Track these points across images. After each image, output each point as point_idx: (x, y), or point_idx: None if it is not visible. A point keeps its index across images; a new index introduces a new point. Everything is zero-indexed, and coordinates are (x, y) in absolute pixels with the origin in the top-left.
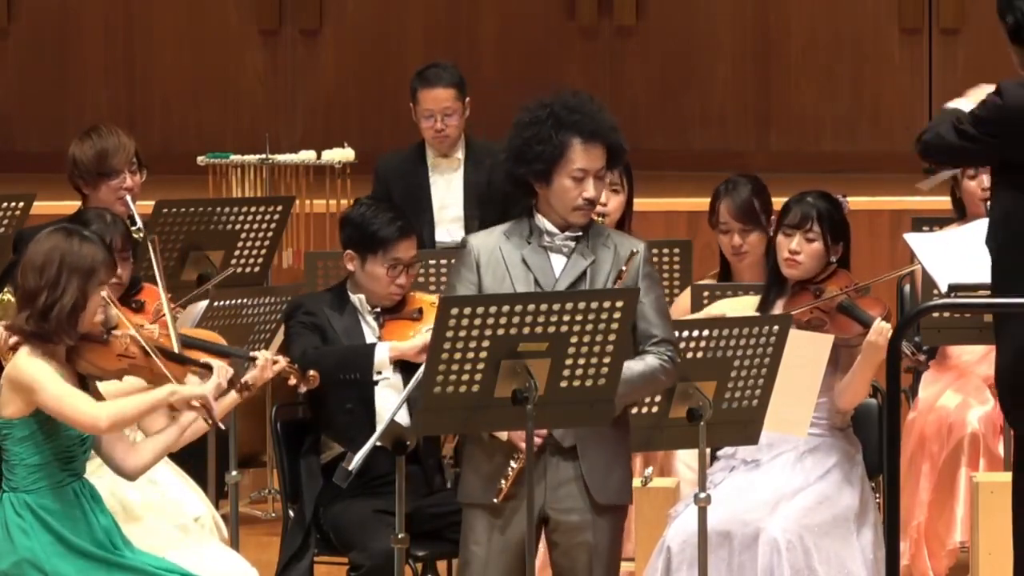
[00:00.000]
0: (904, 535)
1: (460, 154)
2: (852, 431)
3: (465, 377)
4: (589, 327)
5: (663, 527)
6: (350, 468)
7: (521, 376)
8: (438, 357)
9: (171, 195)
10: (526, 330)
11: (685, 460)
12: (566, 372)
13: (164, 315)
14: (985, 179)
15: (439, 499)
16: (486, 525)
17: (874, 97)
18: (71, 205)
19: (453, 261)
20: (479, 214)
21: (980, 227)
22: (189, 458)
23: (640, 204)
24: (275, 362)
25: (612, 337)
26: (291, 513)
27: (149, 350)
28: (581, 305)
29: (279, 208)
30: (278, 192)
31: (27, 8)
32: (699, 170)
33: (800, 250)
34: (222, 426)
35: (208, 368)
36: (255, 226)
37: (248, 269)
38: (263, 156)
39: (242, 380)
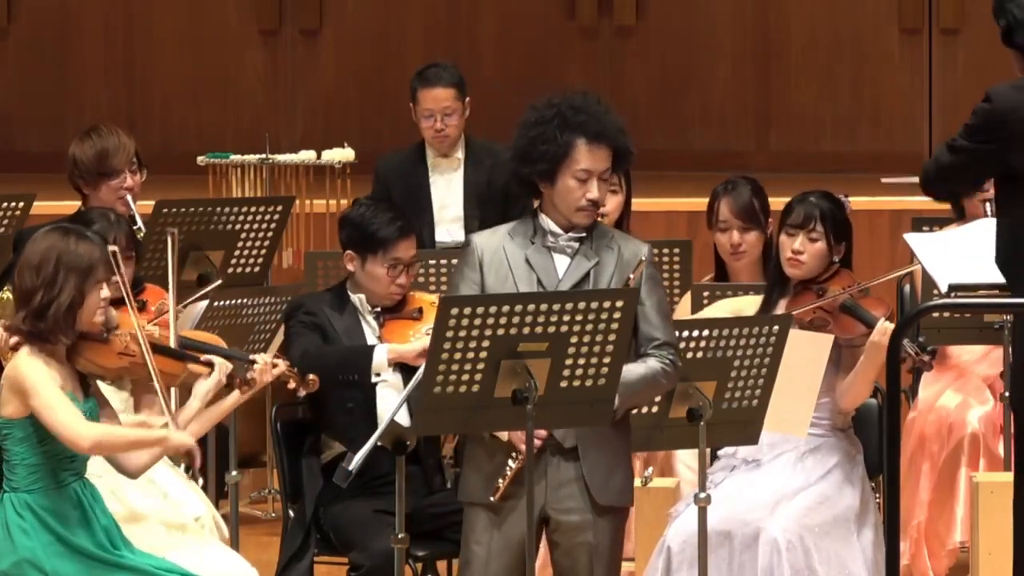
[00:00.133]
0: (904, 535)
1: (460, 154)
2: (853, 431)
3: (465, 377)
4: (589, 327)
5: (663, 527)
6: (350, 468)
7: (521, 376)
8: (438, 357)
9: (171, 195)
10: (526, 330)
11: (685, 460)
12: (566, 372)
13: (167, 313)
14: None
15: (439, 499)
16: (487, 524)
17: (874, 97)
18: (71, 205)
19: (454, 261)
20: (479, 214)
21: (980, 227)
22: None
23: (640, 204)
24: (275, 365)
25: (612, 337)
26: (291, 513)
27: (145, 347)
28: (581, 305)
29: (279, 208)
30: (278, 192)
31: (27, 8)
32: (699, 170)
33: (803, 250)
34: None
35: (208, 365)
36: (255, 226)
37: (248, 269)
38: (263, 156)
39: (243, 376)
